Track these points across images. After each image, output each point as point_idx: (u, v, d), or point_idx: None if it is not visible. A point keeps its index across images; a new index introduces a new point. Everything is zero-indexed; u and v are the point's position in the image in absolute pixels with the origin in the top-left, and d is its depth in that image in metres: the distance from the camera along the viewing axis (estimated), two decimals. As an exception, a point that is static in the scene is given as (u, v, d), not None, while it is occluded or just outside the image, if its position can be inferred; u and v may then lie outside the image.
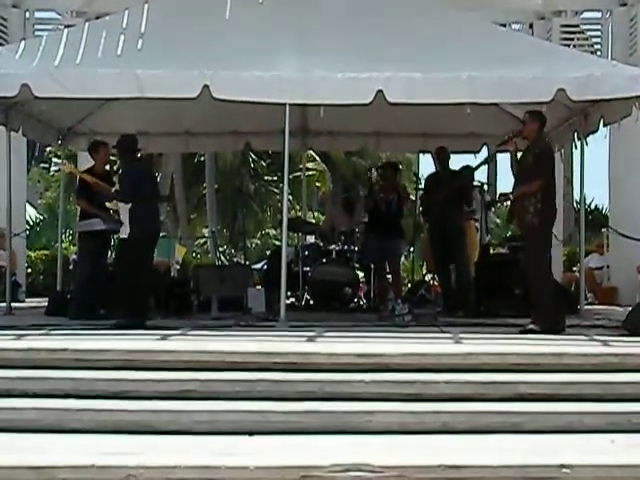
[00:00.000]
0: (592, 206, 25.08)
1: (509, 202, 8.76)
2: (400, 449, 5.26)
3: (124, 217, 8.68)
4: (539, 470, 4.95)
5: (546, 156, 8.38)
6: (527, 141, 8.44)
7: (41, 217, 26.84)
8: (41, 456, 5.01)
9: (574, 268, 15.33)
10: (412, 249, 14.16)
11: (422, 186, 11.85)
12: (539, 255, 8.21)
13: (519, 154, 8.49)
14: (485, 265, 10.92)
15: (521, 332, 7.88)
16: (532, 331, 7.88)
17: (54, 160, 30.69)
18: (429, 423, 5.64)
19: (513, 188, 8.48)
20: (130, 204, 8.62)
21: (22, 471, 4.86)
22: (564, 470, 4.90)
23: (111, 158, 10.44)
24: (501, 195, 9.25)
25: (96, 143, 10.24)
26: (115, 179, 9.19)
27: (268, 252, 20.14)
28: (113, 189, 9.03)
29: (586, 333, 7.94)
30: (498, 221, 25.10)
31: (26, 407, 5.70)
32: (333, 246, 12.08)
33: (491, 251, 11.93)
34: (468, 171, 11.01)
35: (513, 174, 8.53)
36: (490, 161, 12.87)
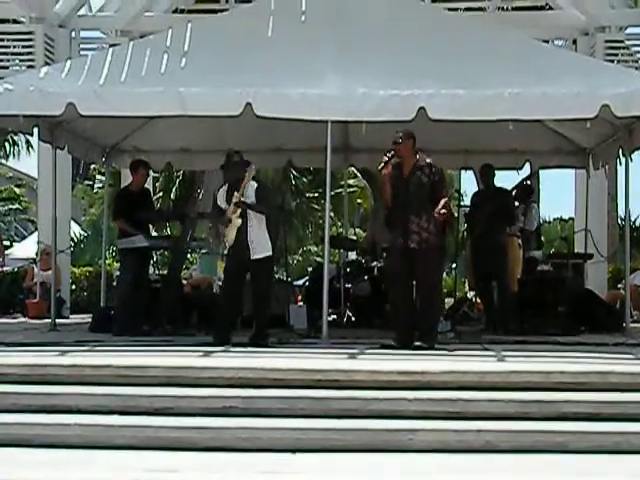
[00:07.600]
0: (637, 223, 24.79)
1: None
2: (442, 467, 5.22)
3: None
4: (585, 491, 4.90)
5: (442, 175, 8.57)
6: (403, 159, 8.36)
7: (85, 234, 27.09)
8: (85, 472, 5.05)
9: (619, 285, 15.14)
10: (455, 266, 14.09)
11: (464, 203, 11.79)
12: (440, 273, 8.31)
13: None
14: (529, 282, 10.86)
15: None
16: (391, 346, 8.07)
17: (98, 177, 31.02)
18: (471, 442, 5.60)
19: (403, 207, 8.26)
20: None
21: (66, 486, 4.90)
22: (610, 491, 4.85)
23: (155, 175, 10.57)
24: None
25: (134, 162, 10.43)
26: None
27: (310, 269, 20.11)
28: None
29: (632, 351, 7.83)
30: (542, 238, 24.83)
31: (70, 423, 5.75)
32: (375, 263, 12.04)
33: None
34: (507, 193, 11.03)
35: (380, 195, 8.62)
36: (528, 179, 12.71)
